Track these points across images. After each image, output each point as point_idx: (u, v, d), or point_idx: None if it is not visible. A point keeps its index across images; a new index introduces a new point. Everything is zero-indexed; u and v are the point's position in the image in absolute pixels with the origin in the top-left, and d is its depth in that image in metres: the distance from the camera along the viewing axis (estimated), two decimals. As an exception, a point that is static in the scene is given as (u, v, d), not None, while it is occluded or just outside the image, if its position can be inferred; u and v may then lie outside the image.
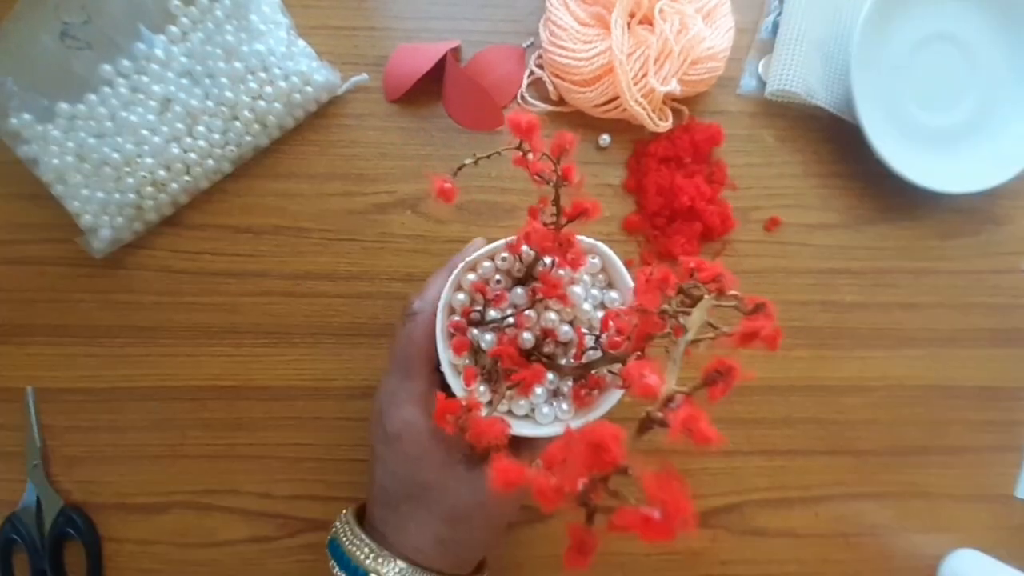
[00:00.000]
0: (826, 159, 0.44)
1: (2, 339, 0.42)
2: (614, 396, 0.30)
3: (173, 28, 0.40)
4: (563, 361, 0.31)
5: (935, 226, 0.45)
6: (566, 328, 0.30)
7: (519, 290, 0.31)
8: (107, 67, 0.39)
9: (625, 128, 0.43)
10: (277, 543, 0.42)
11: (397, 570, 0.30)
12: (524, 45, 0.43)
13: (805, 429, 0.44)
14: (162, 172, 0.40)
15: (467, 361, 0.31)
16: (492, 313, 0.31)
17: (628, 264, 0.43)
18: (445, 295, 0.31)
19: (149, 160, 0.39)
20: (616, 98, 0.41)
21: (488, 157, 0.27)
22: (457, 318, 0.31)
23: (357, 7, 0.43)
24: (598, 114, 0.42)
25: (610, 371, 0.31)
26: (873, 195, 0.44)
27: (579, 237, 0.31)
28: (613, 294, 0.32)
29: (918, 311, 0.45)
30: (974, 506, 0.45)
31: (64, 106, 0.39)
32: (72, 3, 0.39)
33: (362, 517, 0.33)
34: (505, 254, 0.31)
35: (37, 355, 0.42)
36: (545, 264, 0.31)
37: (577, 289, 0.30)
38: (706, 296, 0.23)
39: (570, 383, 0.31)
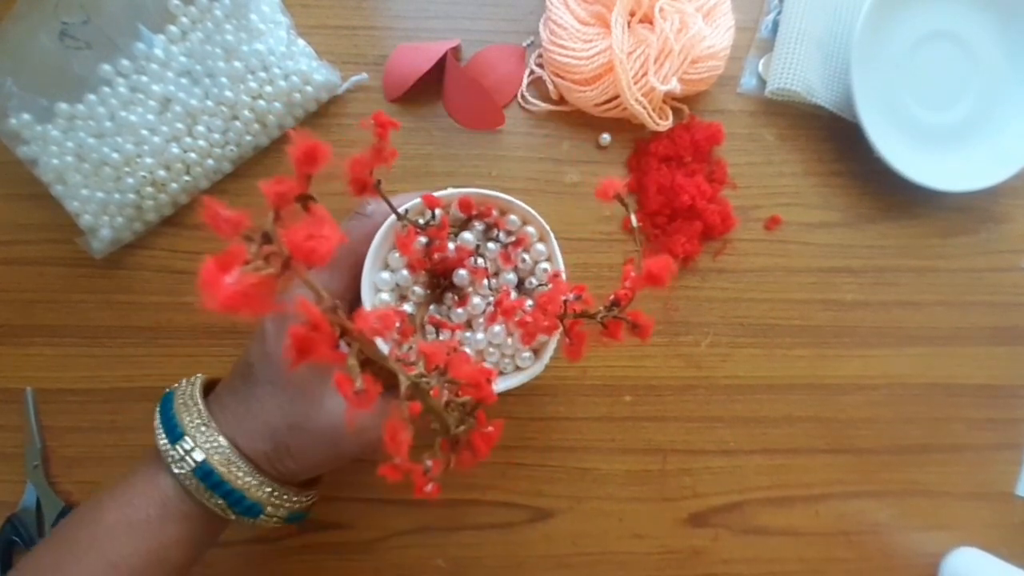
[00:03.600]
0: (826, 157, 0.44)
1: (2, 340, 0.42)
2: (553, 341, 0.31)
3: (172, 28, 0.40)
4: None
5: (935, 224, 0.45)
6: (510, 276, 0.32)
7: (468, 235, 0.32)
8: (106, 67, 0.39)
9: (625, 127, 0.43)
10: (278, 543, 0.42)
11: (216, 446, 0.29)
12: (524, 44, 0.43)
13: (806, 428, 0.44)
14: (162, 172, 0.39)
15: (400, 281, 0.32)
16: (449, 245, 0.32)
17: (628, 264, 0.43)
18: (404, 208, 0.31)
19: (149, 160, 0.39)
20: (616, 97, 0.41)
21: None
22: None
23: (357, 7, 0.43)
24: (598, 113, 0.42)
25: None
26: (873, 193, 0.44)
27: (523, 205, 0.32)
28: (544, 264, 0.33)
29: (919, 309, 0.45)
30: (975, 504, 0.45)
31: (63, 106, 0.39)
32: (71, 3, 0.39)
33: (209, 390, 0.32)
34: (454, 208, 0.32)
35: (37, 356, 0.42)
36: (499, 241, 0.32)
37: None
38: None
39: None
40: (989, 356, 0.45)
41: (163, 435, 0.30)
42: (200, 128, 0.40)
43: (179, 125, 0.40)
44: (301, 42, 0.41)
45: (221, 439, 0.29)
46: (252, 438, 0.30)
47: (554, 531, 0.43)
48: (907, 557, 0.44)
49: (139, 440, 0.42)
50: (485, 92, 0.42)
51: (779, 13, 0.43)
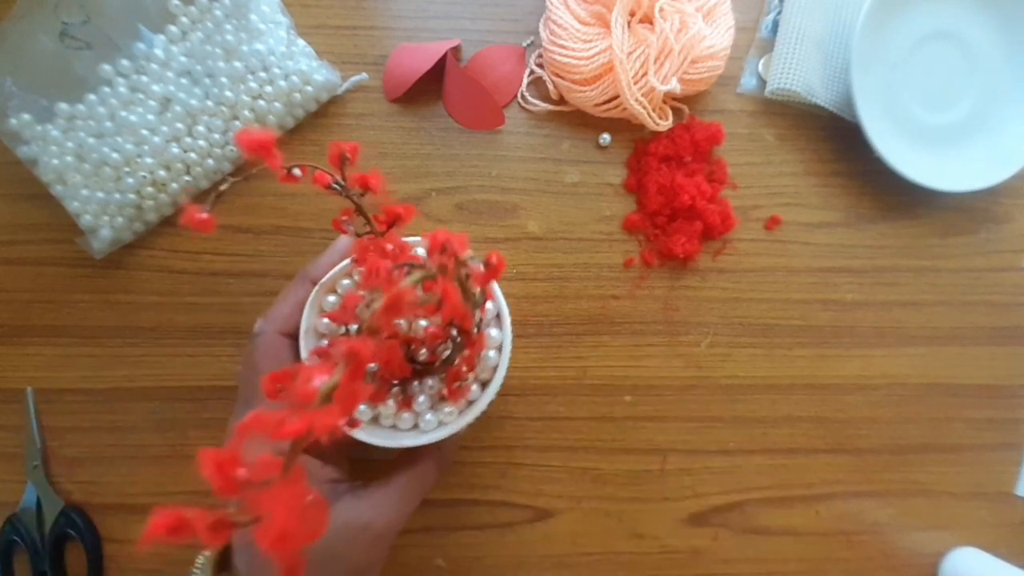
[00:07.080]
0: (826, 158, 0.44)
1: (2, 340, 0.42)
2: (491, 390, 0.30)
3: (173, 28, 0.40)
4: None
5: (935, 224, 0.45)
6: (422, 323, 0.29)
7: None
8: (106, 67, 0.39)
9: (625, 127, 0.43)
10: (278, 543, 0.42)
11: None
12: (524, 44, 0.43)
13: (806, 427, 0.44)
14: (162, 172, 0.40)
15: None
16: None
17: (628, 264, 0.43)
18: (306, 320, 0.30)
19: (149, 160, 0.39)
20: (616, 97, 0.41)
21: (246, 179, 0.26)
22: (324, 343, 0.30)
23: (357, 7, 0.43)
24: (598, 113, 0.42)
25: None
26: (873, 194, 0.44)
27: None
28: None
29: (918, 309, 0.45)
30: (975, 504, 0.45)
31: (64, 106, 0.39)
32: (71, 3, 0.39)
33: (224, 563, 0.31)
34: (361, 268, 0.30)
35: (37, 356, 0.42)
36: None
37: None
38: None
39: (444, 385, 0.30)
40: (989, 356, 0.45)
41: None
42: (200, 128, 0.40)
43: (179, 125, 0.40)
44: (301, 42, 0.41)
45: None
46: None
47: (554, 531, 0.43)
48: (907, 557, 0.44)
49: (139, 440, 0.42)
50: (485, 92, 0.42)
51: (779, 13, 0.44)
